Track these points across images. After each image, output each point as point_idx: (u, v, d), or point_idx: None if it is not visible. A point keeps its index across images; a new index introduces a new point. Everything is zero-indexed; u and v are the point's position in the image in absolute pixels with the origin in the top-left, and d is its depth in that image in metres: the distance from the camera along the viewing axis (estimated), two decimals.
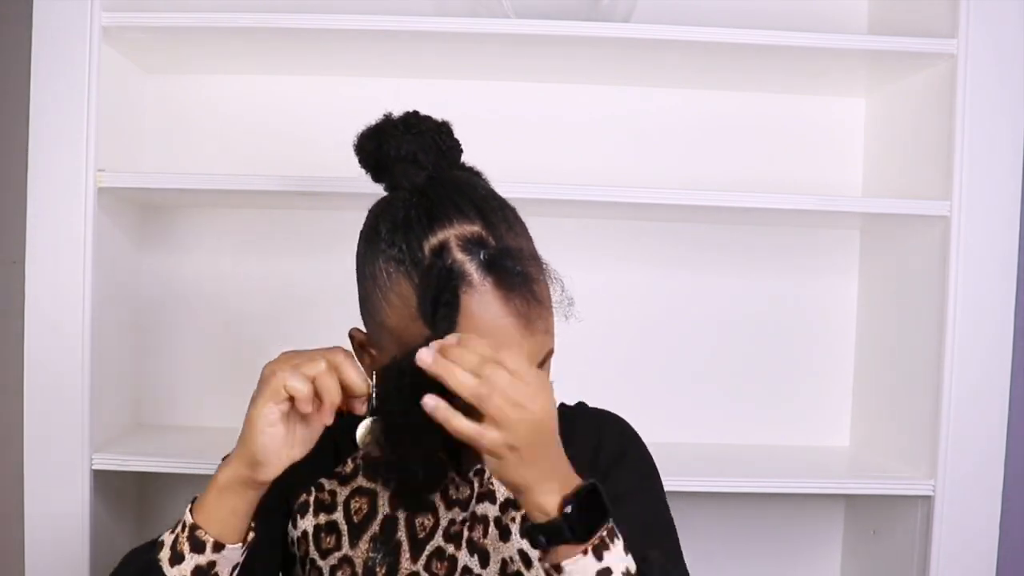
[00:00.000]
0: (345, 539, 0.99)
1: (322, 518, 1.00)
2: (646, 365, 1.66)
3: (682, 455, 1.54)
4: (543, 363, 0.88)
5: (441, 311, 0.82)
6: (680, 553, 0.98)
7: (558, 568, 0.82)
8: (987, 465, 1.40)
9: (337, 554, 0.99)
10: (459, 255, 0.84)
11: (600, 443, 1.01)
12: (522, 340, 0.84)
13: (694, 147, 1.65)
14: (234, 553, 0.87)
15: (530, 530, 0.83)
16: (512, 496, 0.84)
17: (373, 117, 0.92)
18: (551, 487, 0.81)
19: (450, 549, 0.97)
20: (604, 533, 0.82)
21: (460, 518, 0.98)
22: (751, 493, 1.64)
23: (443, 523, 0.98)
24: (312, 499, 1.01)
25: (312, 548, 1.00)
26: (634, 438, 1.03)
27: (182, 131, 1.62)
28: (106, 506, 1.44)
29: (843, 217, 1.52)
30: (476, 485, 0.99)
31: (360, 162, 0.91)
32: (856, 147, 1.67)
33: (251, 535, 0.89)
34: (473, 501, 0.98)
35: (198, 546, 0.85)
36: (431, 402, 0.78)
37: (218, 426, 1.57)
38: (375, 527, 0.99)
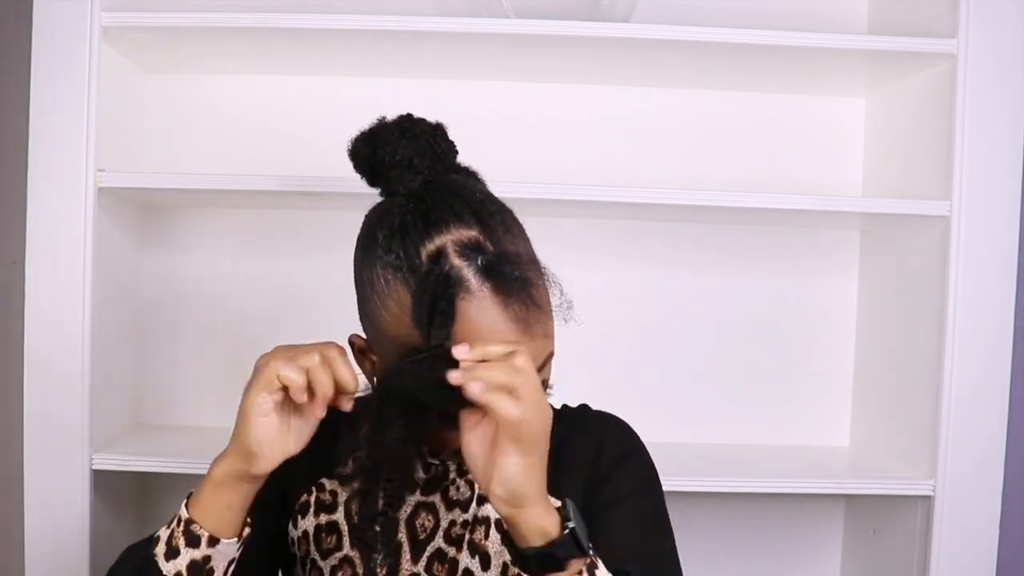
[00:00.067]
0: (346, 539, 0.99)
1: (323, 518, 1.00)
2: (646, 365, 1.66)
3: (682, 455, 1.54)
4: (543, 366, 0.88)
5: (437, 319, 0.81)
6: (676, 559, 0.98)
7: None
8: (987, 465, 1.40)
9: (338, 554, 0.99)
10: (456, 261, 0.83)
11: (602, 445, 1.01)
12: (522, 344, 0.84)
13: (694, 147, 1.65)
14: (229, 548, 0.87)
15: (535, 558, 0.81)
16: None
17: (373, 117, 0.91)
18: (545, 506, 0.81)
19: (451, 551, 0.97)
20: (591, 544, 0.83)
21: (461, 520, 0.98)
22: (751, 493, 1.64)
23: (444, 524, 0.98)
24: (313, 499, 1.01)
25: (313, 548, 1.00)
26: (636, 441, 1.03)
27: (182, 131, 1.62)
28: (106, 506, 1.44)
29: (843, 217, 1.52)
30: (477, 487, 0.99)
31: (355, 167, 0.90)
32: (856, 147, 1.67)
33: (247, 530, 0.89)
34: (474, 503, 0.98)
35: (193, 541, 0.85)
36: (456, 375, 0.78)
37: (218, 426, 1.56)
38: (375, 528, 0.99)
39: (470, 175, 0.96)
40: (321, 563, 0.99)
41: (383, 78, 1.62)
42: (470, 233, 0.85)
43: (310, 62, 1.55)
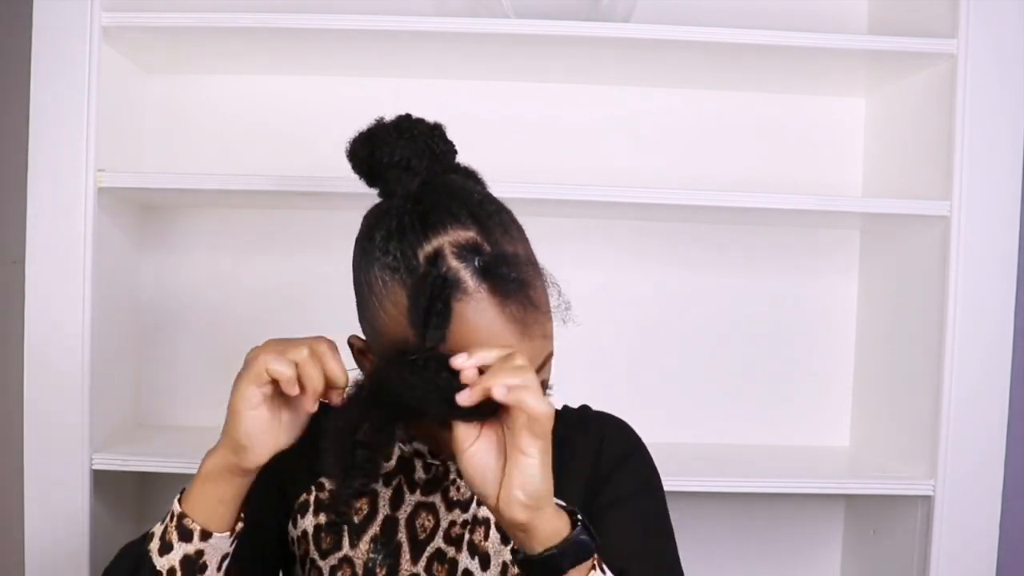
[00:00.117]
0: (345, 539, 0.99)
1: (322, 518, 1.00)
2: (646, 365, 1.66)
3: (682, 455, 1.54)
4: (542, 367, 0.88)
5: (433, 320, 0.81)
6: (677, 559, 0.98)
7: None
8: (987, 465, 1.40)
9: (337, 554, 0.99)
10: (454, 262, 0.83)
11: (602, 446, 1.00)
12: (520, 345, 0.83)
13: (694, 147, 1.65)
14: (222, 542, 0.87)
15: (551, 559, 0.80)
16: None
17: (373, 117, 0.91)
18: (557, 508, 0.81)
19: (451, 552, 0.97)
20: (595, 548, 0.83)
21: (461, 520, 0.98)
22: (751, 493, 1.64)
23: (443, 525, 0.98)
24: (312, 499, 1.01)
25: (312, 548, 1.00)
26: (637, 442, 1.03)
27: (182, 131, 1.62)
28: (106, 506, 1.44)
29: (843, 217, 1.52)
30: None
31: (353, 168, 0.90)
32: (856, 147, 1.67)
33: (240, 525, 0.88)
34: (474, 504, 0.98)
35: (186, 535, 0.85)
36: (465, 395, 0.78)
37: (218, 426, 1.56)
38: (375, 528, 0.99)
39: (469, 175, 0.95)
40: (320, 563, 0.99)
41: (383, 78, 1.62)
42: (467, 234, 0.84)
43: (310, 62, 1.55)
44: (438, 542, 0.98)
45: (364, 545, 0.98)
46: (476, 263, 0.83)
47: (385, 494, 1.00)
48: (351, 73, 1.60)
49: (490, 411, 0.79)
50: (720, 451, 1.60)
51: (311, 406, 0.84)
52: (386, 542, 0.98)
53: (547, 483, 0.79)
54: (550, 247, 0.95)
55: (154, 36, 1.41)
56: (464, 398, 0.77)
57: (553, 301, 0.89)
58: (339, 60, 1.54)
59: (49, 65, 1.35)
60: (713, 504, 1.67)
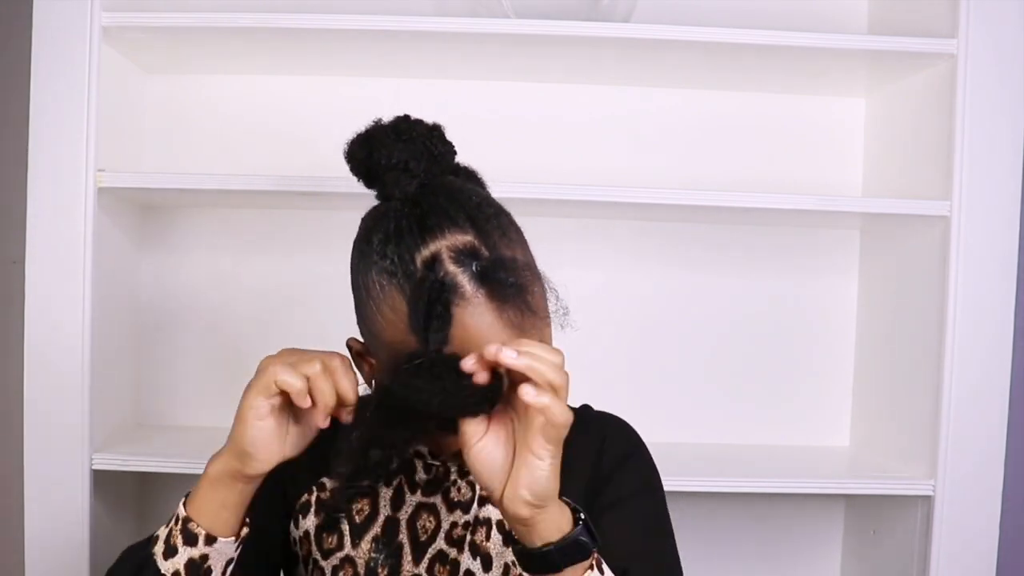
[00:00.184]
0: (347, 539, 0.99)
1: (324, 518, 1.00)
2: (646, 365, 1.66)
3: (682, 455, 1.54)
4: None
5: (434, 324, 0.81)
6: (677, 559, 0.98)
7: None
8: (987, 465, 1.40)
9: (339, 554, 0.99)
10: (451, 267, 0.83)
11: (603, 446, 1.01)
12: None
13: (694, 147, 1.65)
14: (227, 547, 0.87)
15: (552, 554, 0.81)
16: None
17: (373, 117, 0.91)
18: (560, 503, 0.81)
19: (452, 553, 0.97)
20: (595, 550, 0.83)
21: (463, 521, 0.98)
22: (751, 493, 1.64)
23: (445, 526, 0.98)
24: (314, 499, 1.01)
25: (314, 548, 1.00)
26: (638, 443, 1.03)
27: (182, 131, 1.62)
28: (106, 506, 1.44)
29: (843, 217, 1.52)
30: (478, 487, 0.99)
31: (351, 170, 0.90)
32: (856, 147, 1.67)
33: (245, 530, 0.89)
34: (475, 504, 0.98)
35: (191, 539, 0.85)
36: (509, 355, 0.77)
37: (218, 426, 1.56)
38: (377, 528, 0.99)
39: (469, 176, 0.95)
40: (323, 563, 0.99)
41: (383, 78, 1.62)
42: (465, 238, 0.84)
43: (310, 62, 1.55)
44: (440, 543, 0.98)
45: (366, 545, 0.98)
46: (473, 268, 0.83)
47: (386, 494, 1.00)
48: (351, 73, 1.60)
49: (494, 401, 0.80)
50: (720, 451, 1.60)
51: (322, 421, 0.84)
52: (387, 542, 0.98)
53: (554, 484, 0.79)
54: (550, 247, 0.95)
55: (154, 36, 1.41)
56: (508, 358, 0.77)
57: (551, 306, 0.88)
58: (339, 60, 1.54)
59: (49, 65, 1.35)
60: (713, 504, 1.67)
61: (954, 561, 1.40)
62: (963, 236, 1.39)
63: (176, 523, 0.86)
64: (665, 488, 1.02)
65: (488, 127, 1.62)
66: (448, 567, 0.97)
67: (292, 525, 1.01)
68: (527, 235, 0.92)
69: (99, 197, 1.37)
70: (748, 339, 1.66)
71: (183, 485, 0.92)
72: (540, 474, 0.78)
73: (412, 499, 0.99)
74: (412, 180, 0.87)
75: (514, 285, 0.83)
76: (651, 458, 1.02)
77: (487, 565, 0.96)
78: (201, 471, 0.87)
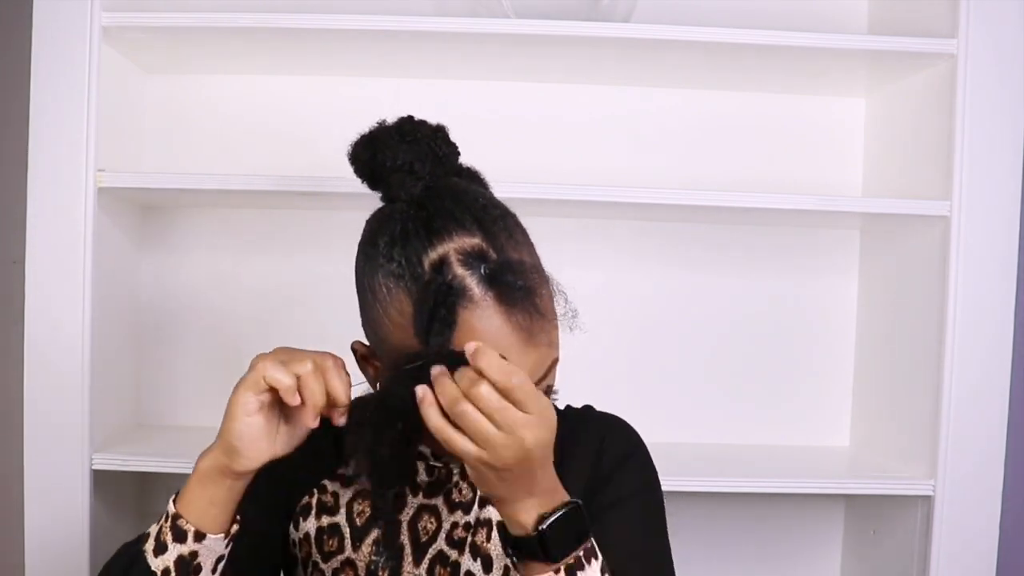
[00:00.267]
0: (347, 542, 0.99)
1: (324, 520, 1.00)
2: (646, 365, 1.66)
3: (682, 455, 1.54)
4: (547, 374, 0.88)
5: (436, 327, 0.81)
6: (671, 564, 0.98)
7: None
8: (987, 465, 1.41)
9: (340, 557, 0.99)
10: (459, 270, 0.82)
11: (603, 446, 1.00)
12: (525, 354, 0.83)
13: (694, 147, 1.65)
14: (216, 544, 0.86)
15: (505, 541, 0.83)
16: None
17: (373, 117, 0.91)
18: (531, 503, 0.81)
19: (453, 554, 0.97)
20: (581, 553, 0.82)
21: (463, 522, 0.98)
22: (751, 493, 1.64)
23: (446, 527, 0.98)
24: (314, 501, 1.01)
25: (314, 550, 1.00)
26: (638, 444, 1.03)
27: (182, 131, 1.62)
28: (106, 506, 1.44)
29: (843, 217, 1.52)
30: (479, 489, 0.98)
31: (355, 172, 0.89)
32: (856, 147, 1.67)
33: (235, 527, 0.88)
34: (476, 506, 0.98)
35: (180, 536, 0.85)
36: (420, 391, 0.78)
37: (218, 426, 1.57)
38: (377, 530, 0.99)
39: (473, 177, 0.95)
40: (323, 565, 0.99)
41: (383, 78, 1.61)
42: (473, 241, 0.84)
43: (310, 62, 1.55)
44: (440, 544, 0.97)
45: (366, 548, 0.98)
46: (482, 271, 0.83)
47: (387, 496, 0.99)
48: (351, 73, 1.60)
49: None
50: (720, 451, 1.60)
51: (311, 421, 0.83)
52: (388, 544, 0.98)
53: (494, 491, 0.80)
54: (550, 247, 0.94)
55: (154, 36, 1.41)
56: (419, 392, 0.78)
57: (560, 308, 0.88)
58: (339, 60, 1.54)
59: (49, 65, 1.35)
60: (713, 504, 1.67)
61: (954, 561, 1.40)
62: (963, 236, 1.39)
63: (166, 520, 0.86)
64: (665, 488, 1.02)
65: (488, 127, 1.62)
66: (449, 568, 0.97)
67: (292, 527, 1.01)
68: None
69: (99, 197, 1.37)
70: (748, 339, 1.66)
71: (183, 485, 0.92)
72: (472, 476, 0.80)
73: (414, 501, 0.99)
74: (417, 182, 0.87)
75: (523, 288, 0.83)
76: (651, 459, 1.02)
77: (488, 566, 0.96)
78: None
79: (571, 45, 1.40)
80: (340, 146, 0.90)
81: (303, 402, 0.82)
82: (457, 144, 0.91)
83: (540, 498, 0.81)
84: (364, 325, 0.91)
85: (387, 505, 0.95)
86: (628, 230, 1.64)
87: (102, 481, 1.40)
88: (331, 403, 0.83)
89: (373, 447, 0.82)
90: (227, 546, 0.88)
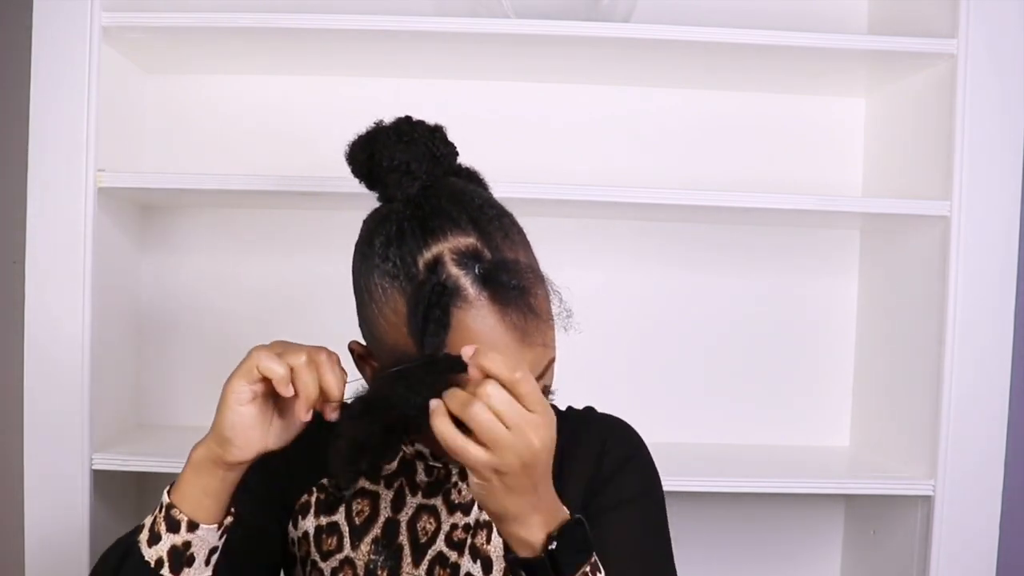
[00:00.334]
0: (347, 541, 0.99)
1: (323, 519, 1.00)
2: (646, 365, 1.66)
3: (682, 455, 1.54)
4: (544, 373, 0.88)
5: (430, 328, 0.81)
6: (673, 566, 0.98)
7: None
8: (987, 465, 1.40)
9: (338, 556, 0.99)
10: (454, 270, 0.82)
11: (605, 448, 1.00)
12: (520, 353, 0.83)
13: (694, 147, 1.65)
14: (209, 534, 0.86)
15: (511, 563, 0.83)
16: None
17: (373, 117, 0.91)
18: (536, 520, 0.81)
19: (453, 556, 0.97)
20: (588, 568, 0.82)
21: (463, 523, 0.98)
22: (751, 493, 1.64)
23: (445, 528, 0.98)
24: (314, 500, 1.01)
25: (313, 549, 1.00)
26: (640, 445, 1.03)
27: (182, 131, 1.62)
28: (106, 506, 1.44)
29: (843, 217, 1.52)
30: (484, 509, 0.98)
31: (353, 172, 0.90)
32: (856, 147, 1.67)
33: (228, 519, 0.88)
34: (476, 507, 0.98)
35: (173, 526, 0.85)
36: (434, 404, 0.78)
37: None
38: (376, 530, 0.99)
39: (471, 177, 0.94)
40: (321, 564, 0.99)
41: (383, 78, 1.62)
42: (468, 240, 0.84)
43: (310, 62, 1.55)
44: (440, 545, 0.97)
45: (365, 547, 0.98)
46: (476, 270, 0.83)
47: (386, 496, 1.00)
48: (351, 73, 1.60)
49: None
50: (720, 451, 1.60)
51: (304, 414, 0.83)
52: (387, 544, 0.98)
53: (500, 507, 0.80)
54: (550, 247, 0.94)
55: (154, 36, 1.41)
56: (433, 405, 0.78)
57: (555, 308, 0.88)
58: (339, 60, 1.54)
59: (49, 65, 1.35)
60: (713, 504, 1.67)
61: (954, 561, 1.40)
62: (963, 236, 1.39)
63: (160, 510, 0.86)
64: (665, 488, 1.02)
65: (488, 127, 1.62)
66: (448, 569, 0.96)
67: (291, 526, 1.01)
68: (527, 235, 0.91)
69: (99, 197, 1.37)
70: (748, 339, 1.66)
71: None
72: (474, 490, 0.79)
73: (413, 501, 0.99)
74: (414, 182, 0.86)
75: (517, 287, 0.83)
76: (652, 461, 1.02)
77: (487, 568, 0.96)
78: None
79: (571, 45, 1.40)
80: (340, 146, 0.90)
81: (296, 394, 0.82)
82: (455, 144, 0.91)
83: (544, 516, 0.81)
84: (361, 325, 0.91)
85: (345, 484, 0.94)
86: (628, 230, 1.64)
87: (102, 481, 1.40)
88: (324, 397, 0.83)
89: (354, 448, 0.82)
90: (221, 538, 0.87)
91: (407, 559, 0.97)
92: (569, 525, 0.82)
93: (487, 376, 0.77)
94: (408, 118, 0.89)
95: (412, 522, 0.98)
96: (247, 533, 0.93)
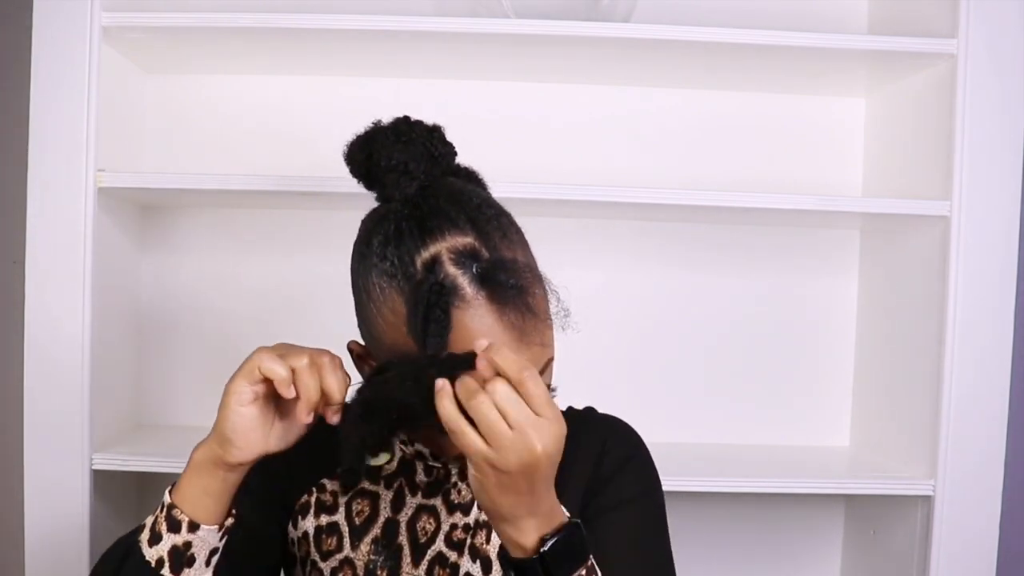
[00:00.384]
0: (346, 541, 0.99)
1: (323, 519, 1.00)
2: (646, 365, 1.66)
3: (682, 455, 1.54)
4: (543, 371, 0.88)
5: (432, 328, 0.81)
6: (672, 566, 0.98)
7: None
8: (987, 465, 1.40)
9: (338, 556, 0.99)
10: (451, 269, 0.82)
11: (605, 448, 1.00)
12: (518, 352, 0.83)
13: (694, 147, 1.65)
14: (210, 535, 0.86)
15: (504, 562, 0.83)
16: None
17: (373, 117, 0.91)
18: (531, 523, 0.80)
19: (452, 556, 0.97)
20: (583, 572, 0.82)
21: (462, 523, 0.98)
22: (751, 493, 1.64)
23: (444, 528, 0.98)
24: (313, 500, 1.01)
25: (313, 549, 1.00)
26: (640, 446, 1.03)
27: (182, 131, 1.62)
28: (106, 506, 1.44)
29: (843, 217, 1.52)
30: (479, 503, 0.98)
31: (351, 172, 0.90)
32: (856, 147, 1.67)
33: (229, 520, 0.88)
34: (475, 507, 0.98)
35: (174, 526, 0.85)
36: (440, 383, 0.77)
37: None
38: (376, 530, 0.99)
39: (470, 177, 0.95)
40: (321, 564, 0.99)
41: (383, 78, 1.62)
42: (465, 240, 0.84)
43: (310, 62, 1.55)
44: (439, 545, 0.97)
45: (365, 547, 0.98)
46: (474, 270, 0.83)
47: (386, 496, 1.00)
48: (351, 73, 1.60)
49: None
50: (720, 451, 1.60)
51: (305, 416, 0.83)
52: (387, 544, 0.98)
53: (495, 506, 0.79)
54: (550, 247, 0.94)
55: (154, 36, 1.41)
56: (439, 386, 0.78)
57: (552, 308, 0.88)
58: (339, 60, 1.54)
59: (49, 65, 1.35)
60: (713, 504, 1.67)
61: (954, 561, 1.40)
62: (963, 236, 1.39)
63: (161, 510, 0.86)
64: (665, 488, 1.02)
65: (488, 127, 1.62)
66: (447, 569, 0.97)
67: (291, 526, 1.01)
68: (527, 235, 0.91)
69: (99, 197, 1.37)
70: (748, 339, 1.66)
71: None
72: (474, 487, 0.79)
73: (412, 501, 0.99)
74: (412, 182, 0.87)
75: (515, 287, 0.83)
76: (652, 463, 1.02)
77: (486, 568, 0.96)
78: None
79: (571, 45, 1.40)
80: (340, 146, 0.90)
81: (298, 396, 0.82)
82: (454, 144, 0.91)
83: (540, 519, 0.81)
84: (359, 325, 0.91)
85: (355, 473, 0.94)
86: (628, 230, 1.64)
87: (102, 481, 1.40)
88: (326, 400, 0.83)
89: (354, 442, 0.82)
90: (221, 539, 0.87)
91: (407, 559, 0.97)
92: (565, 530, 0.81)
93: (496, 373, 0.77)
94: (406, 118, 0.89)
95: (412, 522, 0.98)
96: (247, 534, 0.93)
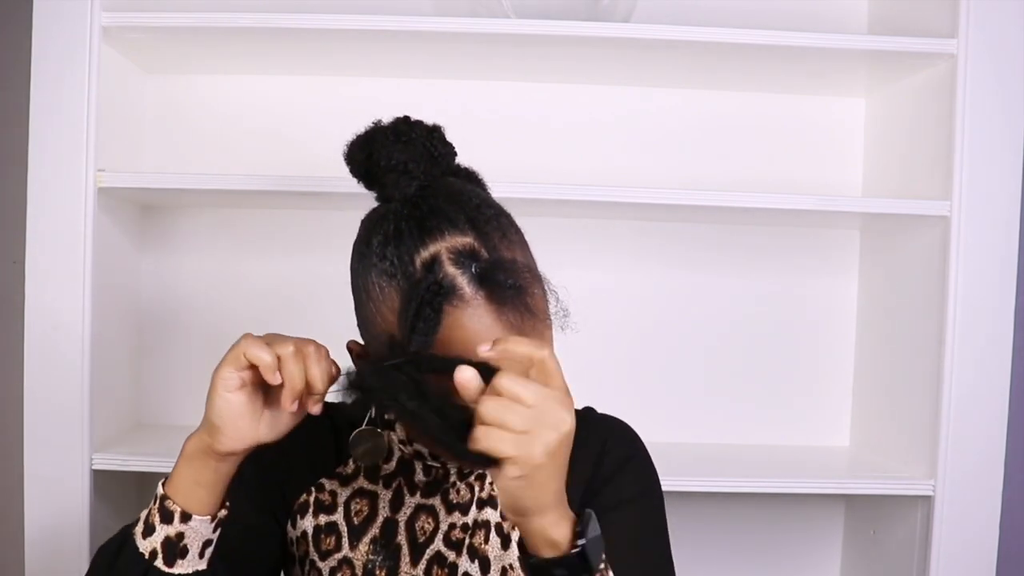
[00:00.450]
0: (345, 540, 0.99)
1: (322, 519, 1.00)
2: (646, 365, 1.66)
3: (682, 455, 1.54)
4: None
5: (420, 326, 0.80)
6: (672, 566, 0.98)
7: None
8: (987, 465, 1.40)
9: (337, 555, 0.99)
10: (450, 269, 0.83)
11: (605, 448, 1.00)
12: None
13: (694, 147, 1.65)
14: (203, 526, 0.86)
15: (542, 566, 0.80)
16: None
17: (372, 117, 0.91)
18: (559, 516, 0.79)
19: (451, 556, 0.97)
20: (604, 557, 0.82)
21: (461, 523, 0.98)
22: (751, 493, 1.64)
23: (443, 528, 0.98)
24: (312, 499, 1.01)
25: (312, 549, 1.00)
26: (639, 446, 1.03)
27: (182, 131, 1.62)
28: (106, 506, 1.44)
29: (843, 217, 1.52)
30: (477, 489, 0.99)
31: (351, 172, 0.90)
32: (856, 147, 1.67)
33: (222, 511, 0.88)
34: (474, 507, 0.98)
35: (167, 517, 0.85)
36: (467, 372, 0.76)
37: None
38: (375, 529, 0.99)
39: (469, 177, 0.95)
40: (320, 564, 0.99)
41: (383, 78, 1.62)
42: (465, 240, 0.84)
43: (310, 62, 1.55)
44: (438, 545, 0.98)
45: (363, 547, 0.98)
46: (473, 269, 0.83)
47: (385, 496, 1.00)
48: (351, 73, 1.60)
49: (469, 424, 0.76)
50: (720, 451, 1.60)
51: (288, 404, 0.83)
52: (385, 544, 0.98)
53: (531, 499, 0.77)
54: (550, 247, 0.95)
55: (154, 36, 1.41)
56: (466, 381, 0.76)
57: (551, 308, 0.88)
58: (339, 60, 1.54)
59: (49, 65, 1.35)
60: (713, 504, 1.67)
61: (954, 561, 1.40)
62: (963, 236, 1.39)
63: (155, 502, 0.86)
64: (665, 488, 1.02)
65: (488, 127, 1.62)
66: (446, 569, 0.97)
67: (290, 525, 1.01)
68: (527, 235, 0.91)
69: (99, 197, 1.37)
70: (748, 339, 1.66)
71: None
72: (502, 484, 0.77)
73: (411, 500, 0.99)
74: (412, 182, 0.87)
75: (513, 287, 0.83)
76: (652, 463, 1.03)
77: (485, 568, 0.96)
78: None
79: (571, 45, 1.40)
80: (340, 146, 0.90)
81: (283, 383, 0.82)
82: (454, 144, 0.91)
83: (564, 510, 0.80)
84: (359, 324, 0.91)
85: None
86: (628, 230, 1.64)
87: (102, 481, 1.40)
88: (309, 389, 0.83)
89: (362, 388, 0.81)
90: (214, 530, 0.88)
91: (405, 559, 0.97)
92: (586, 520, 0.81)
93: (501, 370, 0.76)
94: (406, 118, 0.89)
95: (410, 522, 0.98)
96: (247, 534, 0.94)
